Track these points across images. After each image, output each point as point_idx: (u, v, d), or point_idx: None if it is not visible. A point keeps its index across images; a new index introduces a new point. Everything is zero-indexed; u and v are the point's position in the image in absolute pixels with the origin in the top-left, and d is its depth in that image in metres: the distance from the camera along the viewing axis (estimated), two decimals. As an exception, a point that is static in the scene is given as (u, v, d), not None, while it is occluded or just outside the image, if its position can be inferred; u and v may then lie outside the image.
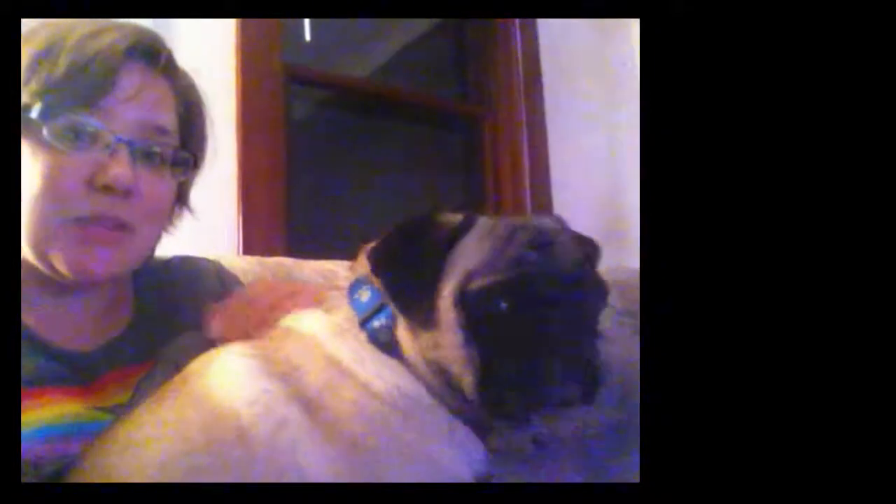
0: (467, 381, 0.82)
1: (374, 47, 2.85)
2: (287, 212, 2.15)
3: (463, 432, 0.86)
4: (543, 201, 2.76)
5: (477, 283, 0.82)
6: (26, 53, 0.91)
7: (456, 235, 0.86)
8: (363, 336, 0.88)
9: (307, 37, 2.55)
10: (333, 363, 0.86)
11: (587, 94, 2.96)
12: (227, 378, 0.85)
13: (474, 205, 2.83)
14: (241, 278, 1.34)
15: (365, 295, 0.90)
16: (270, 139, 2.15)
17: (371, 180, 2.69)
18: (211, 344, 1.02)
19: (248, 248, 1.99)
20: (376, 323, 0.88)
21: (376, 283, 0.89)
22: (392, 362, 0.86)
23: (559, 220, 0.95)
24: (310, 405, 0.82)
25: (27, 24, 0.93)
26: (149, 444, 0.82)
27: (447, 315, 0.83)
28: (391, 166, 2.78)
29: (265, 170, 2.11)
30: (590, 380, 0.83)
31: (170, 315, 1.12)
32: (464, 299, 0.82)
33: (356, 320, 0.89)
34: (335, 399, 0.83)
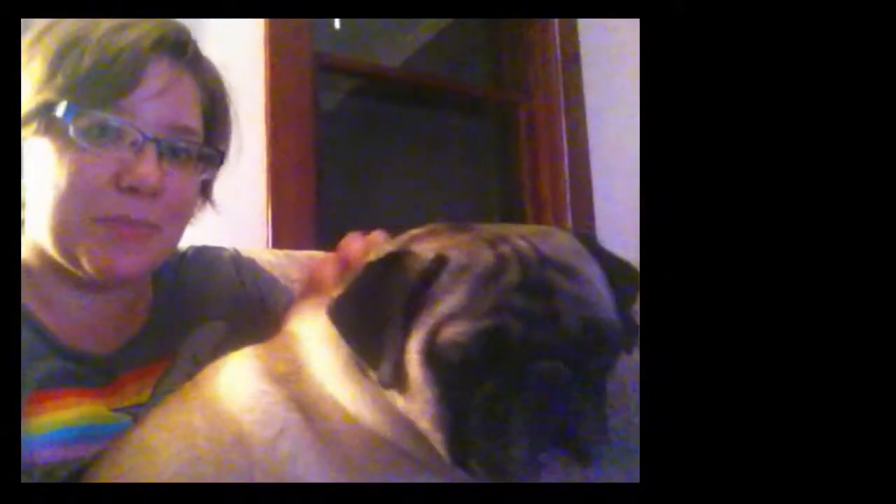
0: (437, 438, 0.74)
1: (406, 33, 2.81)
2: (317, 204, 2.13)
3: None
4: (583, 190, 2.69)
5: (447, 333, 0.72)
6: (50, 45, 0.89)
7: (425, 279, 0.74)
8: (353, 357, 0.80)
9: (337, 24, 2.51)
10: (321, 375, 0.82)
11: (628, 76, 2.86)
12: (233, 383, 0.84)
13: (511, 195, 2.78)
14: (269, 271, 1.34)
15: None
16: (300, 129, 2.12)
17: (403, 171, 2.65)
18: (228, 335, 1.03)
19: (278, 241, 1.98)
20: None
21: None
22: (375, 392, 0.79)
23: (588, 241, 0.81)
24: (308, 411, 0.79)
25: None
26: (164, 448, 0.82)
27: (415, 373, 0.73)
28: (424, 156, 2.73)
29: (294, 161, 2.08)
30: (578, 448, 0.72)
31: (187, 309, 1.11)
32: (432, 353, 0.72)
33: None
34: (327, 411, 0.79)
